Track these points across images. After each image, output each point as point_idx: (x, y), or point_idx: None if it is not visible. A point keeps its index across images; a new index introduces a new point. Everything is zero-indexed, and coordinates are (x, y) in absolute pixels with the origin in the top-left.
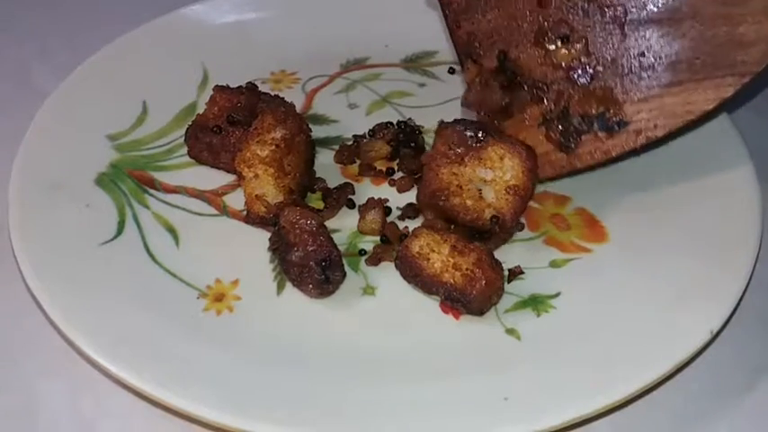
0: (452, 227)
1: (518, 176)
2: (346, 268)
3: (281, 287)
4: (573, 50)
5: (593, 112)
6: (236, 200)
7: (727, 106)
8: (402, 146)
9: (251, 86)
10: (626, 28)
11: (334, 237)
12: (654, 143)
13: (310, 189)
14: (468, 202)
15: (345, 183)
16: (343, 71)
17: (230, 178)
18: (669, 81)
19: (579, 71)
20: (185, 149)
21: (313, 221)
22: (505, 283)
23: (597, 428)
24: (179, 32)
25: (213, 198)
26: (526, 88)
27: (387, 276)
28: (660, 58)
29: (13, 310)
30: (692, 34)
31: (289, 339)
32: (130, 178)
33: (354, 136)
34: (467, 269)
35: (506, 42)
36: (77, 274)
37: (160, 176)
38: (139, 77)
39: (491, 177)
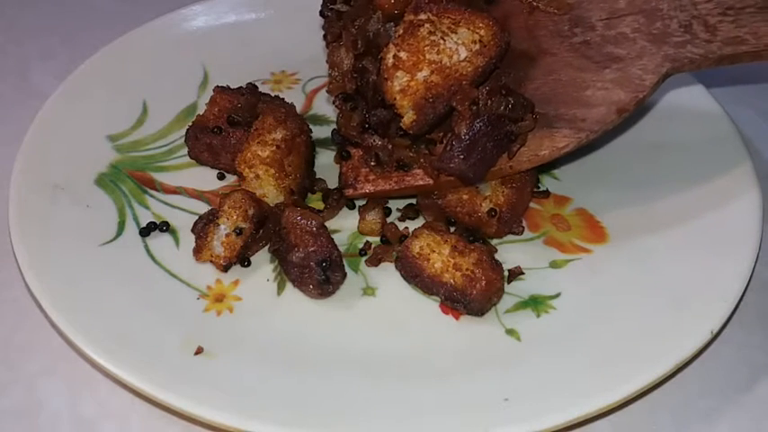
0: (453, 228)
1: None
2: (346, 269)
3: (281, 287)
4: None
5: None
6: None
7: (727, 105)
8: None
9: (251, 87)
10: None
11: (335, 237)
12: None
13: (311, 190)
14: (465, 197)
15: None
16: None
17: (231, 179)
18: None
19: None
20: (185, 150)
21: (313, 222)
22: (505, 284)
23: (597, 428)
24: (179, 32)
25: (213, 198)
26: None
27: (387, 277)
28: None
29: (13, 310)
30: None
31: (289, 340)
32: (130, 179)
33: None
34: (467, 270)
35: None
36: (77, 274)
37: (160, 177)
38: (139, 77)
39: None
